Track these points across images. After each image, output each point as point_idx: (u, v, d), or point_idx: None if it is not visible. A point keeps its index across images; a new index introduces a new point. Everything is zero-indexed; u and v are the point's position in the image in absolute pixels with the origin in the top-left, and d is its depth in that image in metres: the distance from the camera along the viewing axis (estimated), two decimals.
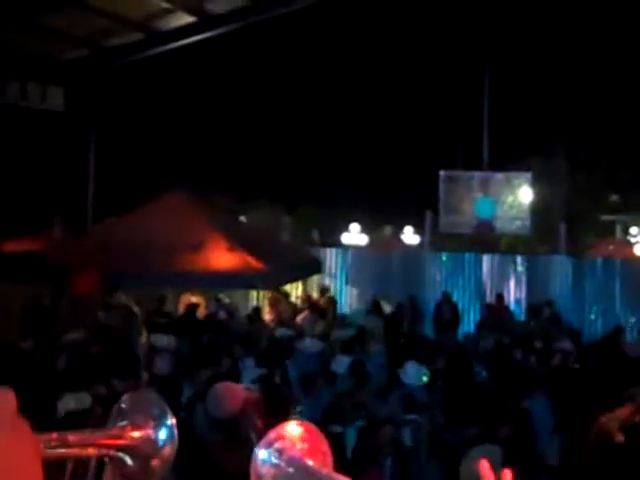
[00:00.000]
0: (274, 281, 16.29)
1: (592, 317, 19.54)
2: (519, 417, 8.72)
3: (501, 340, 13.69)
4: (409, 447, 8.59)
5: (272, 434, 1.38)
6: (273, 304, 17.53)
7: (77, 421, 6.49)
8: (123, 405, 1.57)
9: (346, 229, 26.12)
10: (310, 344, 12.51)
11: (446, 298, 18.85)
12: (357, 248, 23.75)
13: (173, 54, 21.32)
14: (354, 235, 25.97)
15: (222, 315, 15.76)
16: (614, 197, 34.32)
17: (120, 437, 1.52)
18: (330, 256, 20.71)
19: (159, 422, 1.54)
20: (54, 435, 1.44)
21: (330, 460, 1.39)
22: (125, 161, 25.87)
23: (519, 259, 20.71)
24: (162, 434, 1.54)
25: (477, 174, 23.08)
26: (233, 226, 17.78)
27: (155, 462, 1.53)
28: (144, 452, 1.52)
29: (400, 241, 27.08)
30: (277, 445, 1.37)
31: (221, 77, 30.11)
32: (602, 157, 31.05)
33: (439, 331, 17.68)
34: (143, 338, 13.06)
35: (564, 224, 21.57)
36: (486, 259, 20.55)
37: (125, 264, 14.39)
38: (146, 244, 14.33)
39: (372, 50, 30.72)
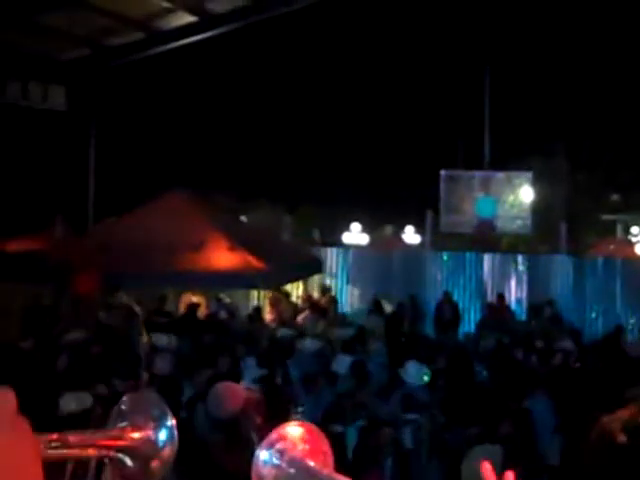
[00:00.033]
0: (275, 281, 16.28)
1: (593, 316, 19.53)
2: (520, 416, 8.72)
3: (502, 340, 13.69)
4: (410, 447, 8.60)
5: (273, 435, 1.38)
6: (274, 304, 17.53)
7: (78, 421, 6.49)
8: (123, 406, 1.56)
9: (347, 229, 26.12)
10: (310, 344, 12.51)
11: (447, 297, 18.85)
12: (358, 248, 23.76)
13: (174, 53, 21.33)
14: (355, 235, 25.97)
15: (223, 315, 15.76)
16: (615, 197, 34.31)
17: (120, 438, 1.52)
18: (331, 256, 20.72)
19: (159, 423, 1.54)
20: (54, 435, 1.44)
21: (331, 461, 1.39)
22: (126, 160, 25.87)
23: (520, 258, 20.72)
24: (162, 435, 1.54)
25: (478, 173, 23.07)
26: (234, 226, 17.78)
27: (155, 463, 1.53)
28: (144, 453, 1.52)
29: (401, 240, 27.08)
30: (278, 446, 1.37)
31: (222, 77, 30.10)
32: (603, 157, 31.04)
33: (440, 330, 17.68)
34: (144, 338, 13.05)
35: (565, 223, 21.58)
36: (487, 258, 20.56)
37: (126, 264, 14.39)
38: (147, 244, 14.33)
39: (373, 50, 30.71)
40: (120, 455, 1.51)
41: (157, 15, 19.50)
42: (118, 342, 12.32)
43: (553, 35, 29.33)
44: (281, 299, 17.84)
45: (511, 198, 22.13)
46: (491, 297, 19.70)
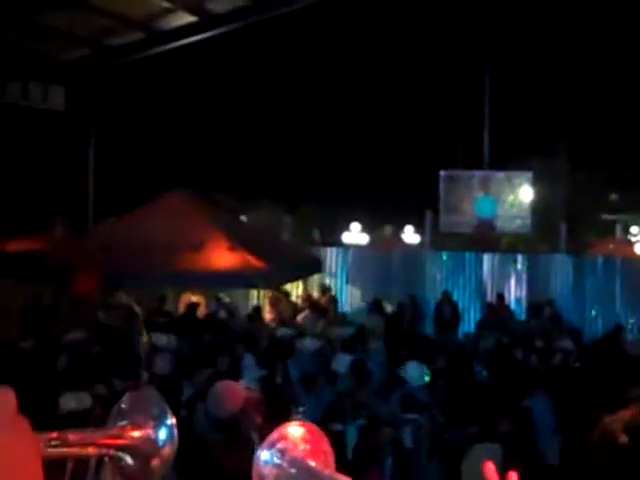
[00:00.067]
0: (275, 280, 16.28)
1: (593, 316, 19.53)
2: (520, 416, 8.73)
3: (501, 339, 13.70)
4: (410, 447, 8.61)
5: (274, 435, 1.38)
6: (274, 303, 17.53)
7: (78, 421, 6.49)
8: (123, 405, 1.57)
9: (347, 228, 26.12)
10: (310, 343, 12.52)
11: (446, 297, 18.84)
12: (358, 247, 23.76)
13: (174, 54, 21.32)
14: (355, 234, 25.97)
15: (222, 314, 15.77)
16: (614, 196, 34.35)
17: (120, 437, 1.52)
18: (331, 255, 20.71)
19: (159, 422, 1.54)
20: (54, 434, 1.44)
21: (332, 460, 1.40)
22: (126, 160, 25.87)
23: (520, 258, 20.71)
24: (162, 434, 1.54)
25: (477, 173, 23.06)
26: (234, 225, 17.77)
27: (155, 462, 1.53)
28: (144, 452, 1.53)
29: (400, 240, 27.07)
30: (279, 446, 1.37)
31: (222, 77, 30.10)
32: (603, 156, 31.05)
33: (439, 330, 17.68)
34: (144, 338, 13.05)
35: (565, 223, 21.58)
36: (486, 258, 20.55)
37: (126, 264, 14.39)
38: (147, 244, 14.33)
39: (372, 50, 30.71)
40: (120, 454, 1.52)
41: (157, 15, 19.49)
42: (118, 342, 12.32)
43: (553, 35, 29.34)
44: (281, 299, 17.84)
45: (511, 198, 22.13)
46: (491, 297, 19.70)
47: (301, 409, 8.56)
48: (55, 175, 21.83)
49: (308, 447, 1.38)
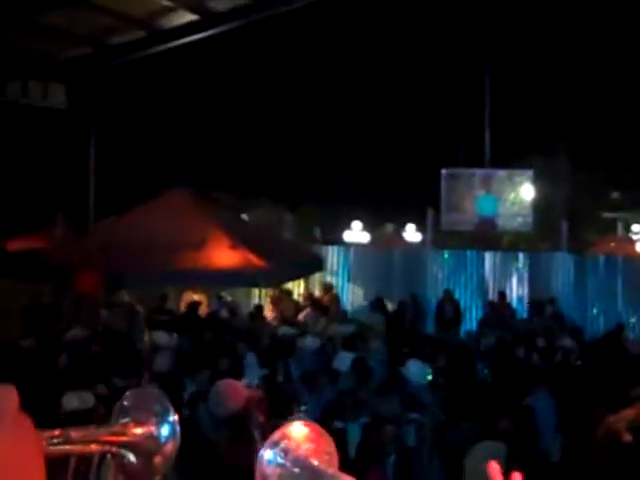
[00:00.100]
0: (276, 279, 16.29)
1: (594, 314, 19.53)
2: (522, 414, 8.73)
3: (503, 338, 13.69)
4: (412, 445, 8.61)
5: (277, 434, 1.38)
6: (275, 302, 17.53)
7: (81, 420, 6.49)
8: (125, 402, 1.56)
9: (348, 227, 26.14)
10: (311, 342, 12.53)
11: (448, 296, 18.84)
12: (359, 246, 23.76)
13: (175, 52, 21.32)
14: (356, 233, 25.98)
15: (224, 313, 15.78)
16: (615, 195, 34.34)
17: (122, 434, 1.52)
18: (332, 254, 20.70)
19: (161, 419, 1.54)
20: (56, 432, 1.44)
21: (336, 460, 1.39)
22: (127, 159, 25.87)
23: (521, 256, 20.70)
24: (164, 431, 1.54)
25: (479, 171, 23.05)
26: (235, 224, 17.78)
27: (157, 459, 1.53)
28: (146, 449, 1.52)
29: (402, 239, 27.09)
30: (282, 445, 1.37)
31: (223, 75, 30.09)
32: (604, 155, 31.05)
33: (441, 329, 17.67)
34: (145, 336, 13.06)
35: (566, 221, 21.58)
36: (488, 256, 20.54)
37: (127, 262, 14.40)
38: (148, 242, 14.34)
39: (373, 49, 30.70)
40: (123, 451, 1.51)
41: (158, 14, 19.49)
42: (119, 341, 12.34)
43: (554, 34, 29.33)
44: (282, 297, 17.84)
45: (512, 196, 22.11)
46: (492, 295, 19.69)
47: (303, 408, 8.56)
48: (56, 174, 21.85)
49: (311, 446, 1.37)
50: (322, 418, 8.17)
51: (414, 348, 12.38)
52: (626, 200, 32.71)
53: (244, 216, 23.95)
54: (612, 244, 23.96)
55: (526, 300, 19.69)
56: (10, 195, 22.11)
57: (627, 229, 28.27)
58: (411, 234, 27.24)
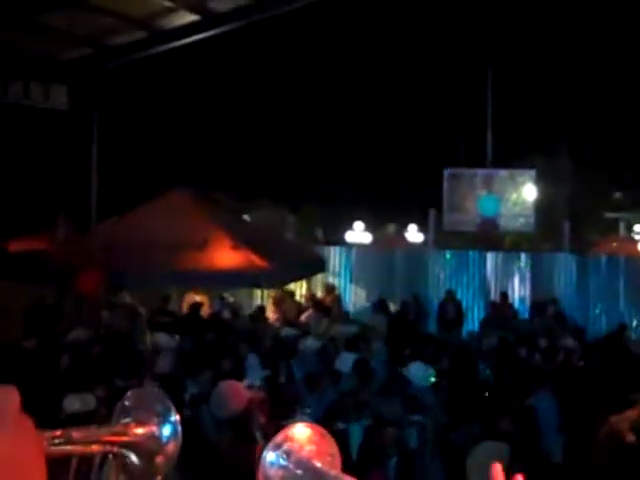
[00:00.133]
0: (278, 280, 16.29)
1: (596, 314, 19.51)
2: (524, 414, 8.72)
3: (505, 338, 13.68)
4: (414, 447, 8.61)
5: (280, 436, 1.38)
6: (277, 303, 17.51)
7: (82, 422, 6.49)
8: (126, 402, 1.56)
9: (350, 227, 26.15)
10: (312, 343, 12.52)
11: (450, 296, 18.82)
12: (361, 246, 23.76)
13: (176, 52, 21.34)
14: (358, 233, 26.00)
15: (226, 314, 15.76)
16: (617, 195, 34.37)
17: (124, 434, 1.52)
18: (334, 254, 20.68)
19: (163, 419, 1.54)
20: (58, 432, 1.43)
21: (338, 462, 1.39)
22: (129, 159, 25.89)
23: (523, 257, 20.67)
24: (166, 431, 1.53)
25: (480, 171, 23.03)
26: (237, 225, 17.79)
27: (159, 459, 1.52)
28: (148, 449, 1.52)
29: (404, 239, 27.10)
30: (285, 447, 1.36)
31: (224, 75, 30.12)
32: (605, 155, 31.05)
33: (443, 329, 17.66)
34: (147, 337, 13.07)
35: (568, 222, 21.56)
36: (490, 257, 20.52)
37: (129, 263, 14.41)
38: (150, 243, 14.34)
39: (374, 48, 30.72)
40: (124, 451, 1.51)
41: (159, 14, 19.49)
42: (121, 342, 12.34)
43: (555, 34, 29.34)
44: (285, 298, 17.82)
45: (514, 196, 22.09)
46: (494, 295, 19.66)
47: (308, 410, 8.56)
48: (57, 175, 21.86)
49: (314, 448, 1.37)
50: (324, 419, 8.17)
51: (416, 349, 12.37)
52: (628, 200, 32.74)
53: (246, 217, 23.95)
54: (614, 244, 23.94)
55: (528, 300, 19.67)
56: (12, 196, 22.13)
57: (629, 229, 28.27)
58: (413, 234, 27.26)
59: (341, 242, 24.07)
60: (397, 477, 7.85)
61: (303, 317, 16.49)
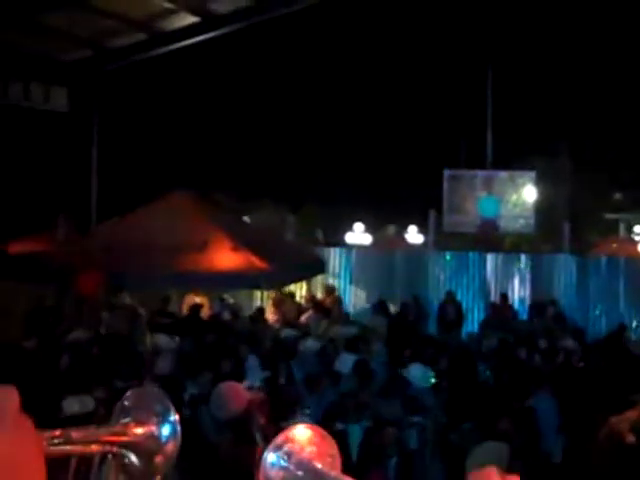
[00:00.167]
0: (278, 281, 16.29)
1: (596, 315, 19.51)
2: (524, 415, 8.73)
3: (505, 339, 13.68)
4: (414, 448, 8.61)
5: (280, 437, 1.38)
6: (277, 304, 17.52)
7: (81, 424, 6.49)
8: (126, 402, 1.56)
9: (350, 229, 26.16)
10: (312, 344, 12.52)
11: (450, 297, 18.82)
12: (361, 248, 23.77)
13: (176, 54, 21.33)
14: (358, 234, 26.01)
15: (226, 315, 15.76)
16: (618, 195, 34.38)
17: (123, 434, 1.52)
18: (334, 256, 20.68)
19: (162, 418, 1.54)
20: (57, 432, 1.44)
21: (339, 463, 1.39)
22: (129, 161, 25.90)
23: (523, 258, 20.68)
24: (165, 430, 1.53)
25: (481, 173, 23.04)
26: (237, 226, 17.79)
27: (158, 458, 1.53)
28: (147, 449, 1.52)
29: (404, 240, 27.11)
30: (286, 448, 1.37)
31: (224, 77, 30.13)
32: (605, 156, 31.06)
33: (443, 330, 17.66)
34: (147, 338, 13.07)
35: (568, 223, 21.56)
36: (490, 258, 20.52)
37: (129, 264, 14.41)
38: (150, 244, 14.35)
39: (374, 49, 30.74)
40: (123, 451, 1.51)
41: (159, 16, 19.49)
42: (121, 343, 12.34)
43: (555, 34, 29.34)
44: (284, 300, 17.83)
45: (514, 197, 22.10)
46: (494, 297, 19.67)
47: (308, 411, 8.56)
48: (58, 176, 21.85)
49: (314, 449, 1.38)
50: (323, 420, 8.17)
51: (416, 350, 12.37)
52: (628, 201, 32.75)
53: (246, 218, 23.96)
54: (614, 245, 23.94)
55: (528, 301, 19.67)
56: (12, 198, 22.14)
57: (629, 230, 28.27)
58: (413, 236, 27.27)
59: (341, 243, 24.08)
60: (397, 477, 7.85)
61: (303, 318, 16.49)
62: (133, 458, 1.51)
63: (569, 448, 9.01)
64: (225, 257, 14.72)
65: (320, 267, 18.91)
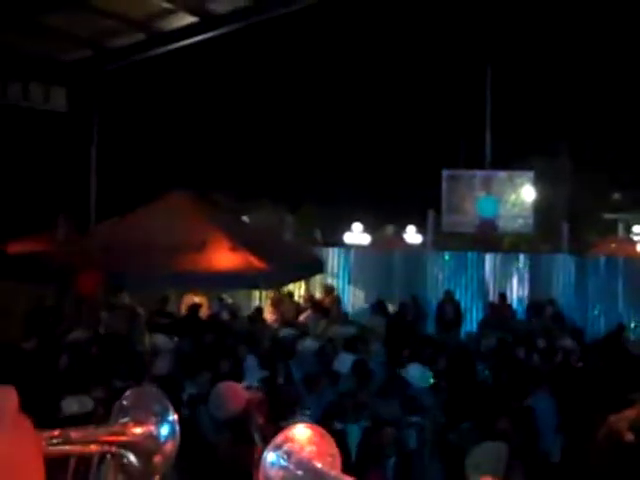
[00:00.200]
0: (277, 281, 16.28)
1: (595, 315, 19.52)
2: (522, 415, 8.73)
3: (504, 339, 13.69)
4: (413, 447, 8.61)
5: (280, 436, 1.39)
6: (276, 304, 17.52)
7: (80, 424, 6.49)
8: (125, 402, 1.57)
9: (348, 228, 26.14)
10: (310, 344, 12.52)
11: (448, 297, 18.83)
12: (359, 247, 23.77)
13: (175, 54, 21.32)
14: (356, 234, 26.00)
15: (225, 315, 15.75)
16: (616, 195, 34.37)
17: (122, 434, 1.52)
18: (333, 256, 20.68)
19: (161, 418, 1.54)
20: (56, 432, 1.44)
21: (338, 462, 1.40)
22: (128, 161, 25.89)
23: (521, 258, 20.68)
24: (164, 430, 1.54)
25: (479, 173, 23.03)
26: (235, 226, 17.79)
27: (157, 458, 1.53)
28: (146, 448, 1.53)
29: (402, 240, 27.10)
30: (286, 447, 1.37)
31: (223, 77, 30.12)
32: (604, 156, 31.06)
33: (442, 330, 17.66)
34: (146, 339, 13.06)
35: (567, 223, 21.56)
36: (488, 258, 20.53)
37: (128, 264, 14.40)
38: (148, 244, 14.34)
39: (373, 49, 30.73)
40: (122, 450, 1.52)
41: (158, 16, 19.47)
42: (120, 343, 12.34)
43: (555, 34, 29.34)
44: (283, 300, 17.83)
45: (513, 197, 22.10)
46: (493, 297, 19.67)
47: (308, 412, 8.56)
48: (57, 176, 21.83)
49: (314, 449, 1.38)
50: (322, 420, 8.17)
51: (415, 350, 12.37)
52: (627, 201, 32.75)
53: (245, 218, 23.95)
54: (613, 245, 23.94)
55: (526, 301, 19.68)
56: (11, 198, 22.12)
57: (628, 230, 28.26)
58: (412, 236, 27.25)
59: (340, 243, 24.07)
60: (396, 478, 7.85)
61: (301, 318, 16.48)
62: (132, 458, 1.52)
63: (568, 448, 9.01)
64: (224, 257, 14.71)
65: (319, 267, 18.91)
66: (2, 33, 18.42)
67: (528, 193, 22.20)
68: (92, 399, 7.24)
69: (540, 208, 23.70)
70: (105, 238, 15.65)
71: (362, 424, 8.47)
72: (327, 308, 17.33)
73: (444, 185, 22.15)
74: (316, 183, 29.39)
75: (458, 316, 18.50)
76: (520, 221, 22.33)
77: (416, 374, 10.12)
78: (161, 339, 12.59)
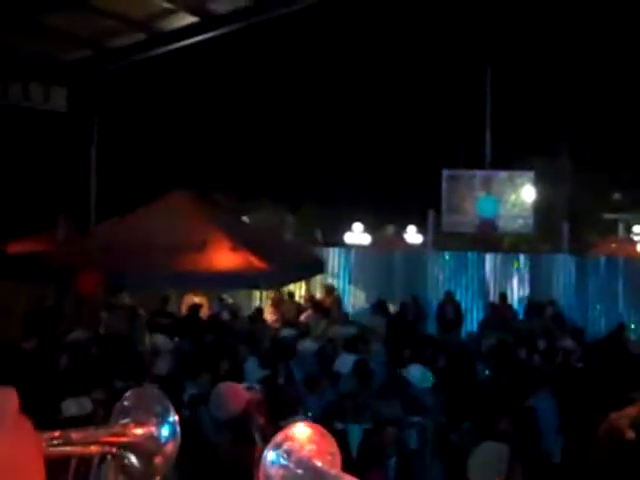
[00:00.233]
0: (277, 281, 16.28)
1: (596, 315, 19.52)
2: (523, 415, 8.73)
3: (504, 339, 13.68)
4: (414, 447, 8.61)
5: (280, 435, 1.38)
6: (276, 304, 17.52)
7: (80, 424, 6.48)
8: (125, 402, 1.56)
9: (349, 229, 26.15)
10: (310, 344, 12.52)
11: (449, 297, 18.83)
12: (360, 248, 23.76)
13: (175, 54, 21.32)
14: (357, 234, 26.00)
15: (225, 315, 15.75)
16: (617, 195, 34.37)
17: (123, 434, 1.52)
18: (333, 256, 20.68)
19: (162, 419, 1.54)
20: (57, 433, 1.44)
21: (338, 461, 1.40)
22: (128, 161, 25.89)
23: (522, 258, 20.67)
24: (165, 431, 1.53)
25: (479, 173, 23.03)
26: (236, 226, 17.79)
27: (158, 459, 1.53)
28: (147, 449, 1.52)
29: (403, 240, 27.10)
30: (286, 446, 1.37)
31: (223, 77, 30.12)
32: (605, 156, 31.06)
33: (442, 330, 17.66)
34: (146, 339, 13.07)
35: (567, 223, 21.55)
36: (489, 258, 20.52)
37: (128, 264, 14.40)
38: (149, 244, 14.34)
39: (374, 49, 30.73)
40: (123, 451, 1.51)
41: (158, 16, 19.47)
42: (120, 343, 12.34)
43: (555, 34, 29.34)
44: (283, 300, 17.83)
45: (513, 197, 22.10)
46: (493, 297, 19.67)
47: (309, 414, 8.56)
48: (57, 176, 21.83)
49: (314, 448, 1.38)
50: (323, 420, 8.16)
51: (415, 350, 12.37)
52: (627, 201, 32.75)
53: (245, 218, 23.95)
54: (613, 245, 23.92)
55: (527, 301, 19.66)
56: (12, 198, 22.12)
57: (628, 230, 28.26)
58: (412, 236, 27.25)
59: (340, 243, 24.07)
60: (397, 477, 7.86)
61: (302, 318, 16.48)
62: (132, 459, 1.51)
63: (569, 448, 9.01)
64: (224, 257, 14.71)
65: (319, 267, 18.91)
66: (2, 33, 18.42)
67: (528, 193, 22.19)
68: (92, 401, 7.24)
69: (540, 208, 23.70)
70: (105, 238, 15.65)
71: (363, 424, 8.47)
72: (328, 308, 17.32)
73: (444, 185, 22.14)
74: (316, 183, 29.40)
75: (459, 316, 18.50)
76: (520, 221, 22.32)
77: (417, 374, 10.12)
78: (161, 339, 12.59)
